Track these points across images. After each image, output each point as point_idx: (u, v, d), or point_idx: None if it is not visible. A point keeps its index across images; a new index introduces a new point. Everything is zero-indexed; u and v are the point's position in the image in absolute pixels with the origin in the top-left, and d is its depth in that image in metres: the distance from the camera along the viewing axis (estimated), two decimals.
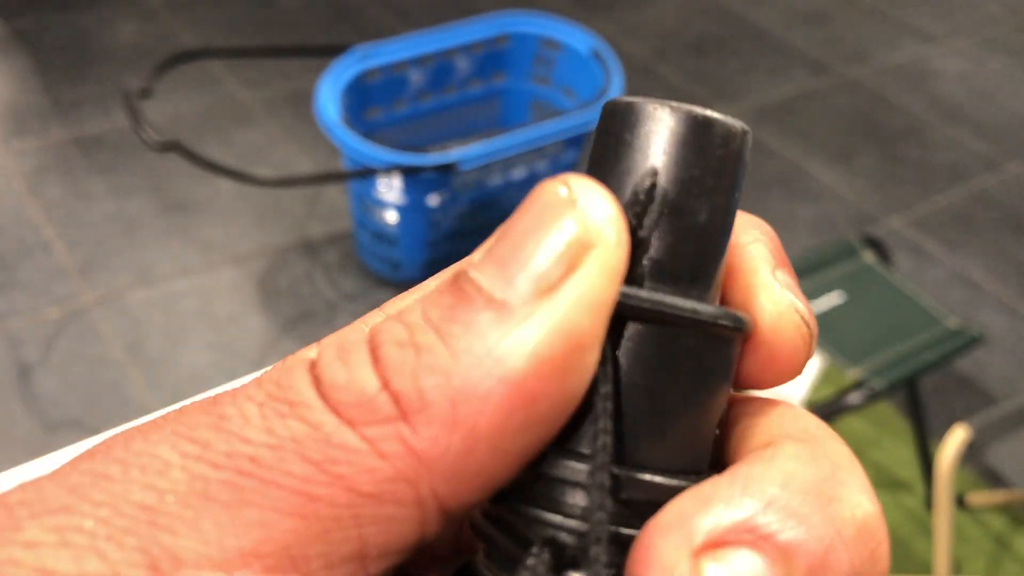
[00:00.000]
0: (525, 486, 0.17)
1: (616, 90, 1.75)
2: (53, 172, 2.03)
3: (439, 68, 1.88)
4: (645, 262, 0.17)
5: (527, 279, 0.14)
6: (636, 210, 0.17)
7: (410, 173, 1.60)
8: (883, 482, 1.58)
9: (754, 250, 0.19)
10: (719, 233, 0.18)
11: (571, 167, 1.85)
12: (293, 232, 1.95)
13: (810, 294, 1.39)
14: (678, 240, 0.17)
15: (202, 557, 0.13)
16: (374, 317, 0.18)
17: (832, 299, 1.38)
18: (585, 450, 0.16)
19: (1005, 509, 1.56)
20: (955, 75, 2.70)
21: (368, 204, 1.74)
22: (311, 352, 0.16)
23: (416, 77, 1.86)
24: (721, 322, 0.17)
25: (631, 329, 0.17)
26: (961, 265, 2.04)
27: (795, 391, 1.41)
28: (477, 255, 0.15)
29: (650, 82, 2.51)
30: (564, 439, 0.17)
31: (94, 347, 1.68)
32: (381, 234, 1.78)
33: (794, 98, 2.53)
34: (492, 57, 1.94)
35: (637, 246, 0.17)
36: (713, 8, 2.90)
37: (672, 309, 0.17)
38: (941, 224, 2.15)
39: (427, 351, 0.14)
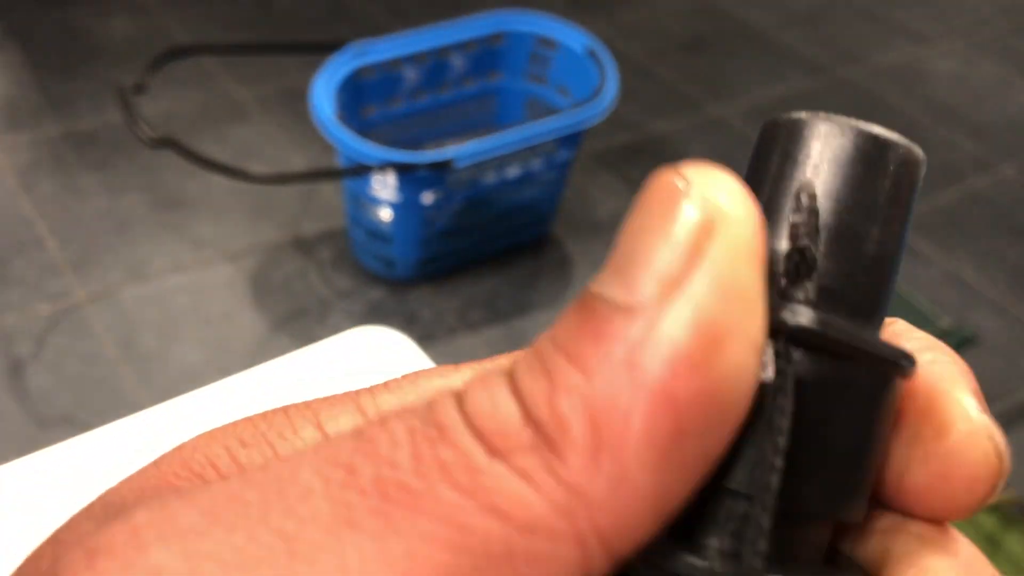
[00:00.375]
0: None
1: (611, 89, 1.75)
2: (45, 168, 2.03)
3: (434, 66, 1.88)
4: (810, 285, 0.15)
5: (650, 278, 0.14)
6: (796, 221, 0.16)
7: (405, 170, 1.60)
8: None
9: (942, 368, 0.18)
10: (890, 266, 0.16)
11: (566, 166, 1.85)
12: (287, 229, 1.95)
13: None
14: (849, 267, 0.16)
15: None
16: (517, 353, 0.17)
17: None
18: (745, 488, 0.15)
19: (995, 509, 1.56)
20: (948, 76, 2.70)
21: (362, 201, 1.74)
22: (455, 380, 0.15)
23: (411, 75, 1.86)
24: (902, 362, 0.16)
25: (799, 355, 0.15)
26: (954, 266, 2.05)
27: None
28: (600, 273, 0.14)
29: (646, 81, 2.51)
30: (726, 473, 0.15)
31: (86, 343, 1.68)
32: (375, 232, 1.77)
33: (789, 98, 2.53)
34: (487, 55, 1.94)
35: (799, 267, 0.15)
36: (708, 8, 2.90)
37: (851, 339, 0.15)
38: (934, 225, 2.16)
39: (559, 373, 0.13)
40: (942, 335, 1.39)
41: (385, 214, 1.73)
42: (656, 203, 0.15)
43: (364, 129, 1.81)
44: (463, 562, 0.12)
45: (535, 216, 1.93)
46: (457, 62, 1.91)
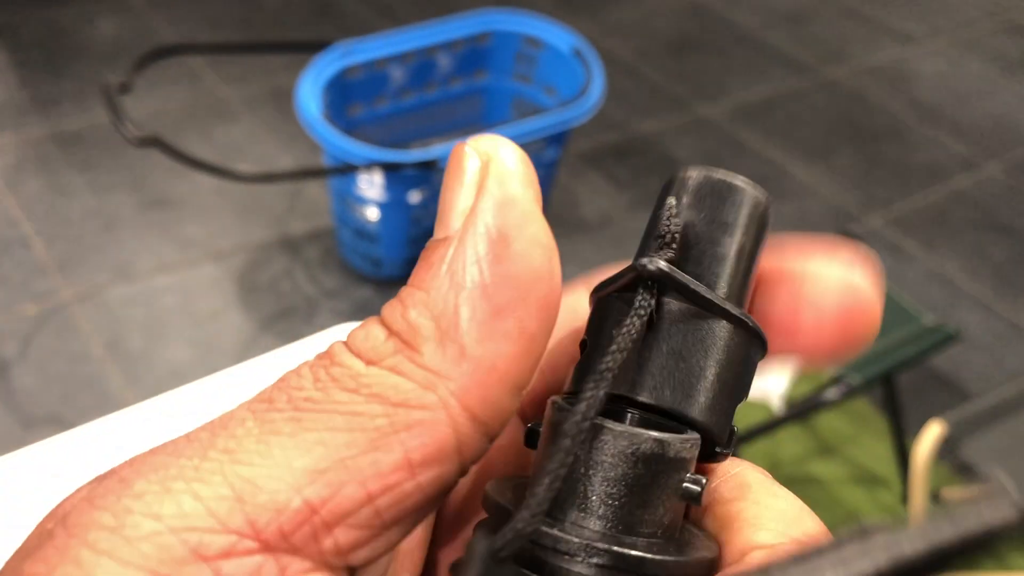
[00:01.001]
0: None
1: (597, 88, 1.76)
2: (32, 167, 2.02)
3: (421, 65, 1.88)
4: (666, 252, 0.21)
5: (455, 215, 0.18)
6: (666, 221, 0.21)
7: (391, 170, 1.60)
8: (860, 478, 1.60)
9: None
10: (745, 267, 0.22)
11: (552, 165, 1.86)
12: (274, 228, 1.95)
13: None
14: (708, 260, 0.21)
15: (276, 480, 0.16)
16: None
17: None
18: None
19: None
20: (933, 76, 2.72)
21: (349, 201, 1.74)
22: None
23: (397, 74, 1.86)
24: (731, 316, 0.21)
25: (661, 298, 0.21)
26: (938, 263, 2.06)
27: (775, 386, 1.43)
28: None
29: (632, 81, 2.52)
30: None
31: (73, 343, 1.67)
32: (362, 231, 1.77)
33: (774, 98, 2.54)
34: (474, 54, 1.94)
35: (661, 242, 0.21)
36: (693, 8, 2.91)
37: (701, 290, 0.21)
38: (919, 223, 2.17)
39: (407, 296, 0.18)
40: (926, 332, 1.40)
41: (372, 213, 1.74)
42: (454, 165, 0.19)
43: (350, 128, 1.82)
44: (359, 438, 0.17)
45: None
46: (443, 61, 1.91)
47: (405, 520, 0.17)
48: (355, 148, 1.56)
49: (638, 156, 2.28)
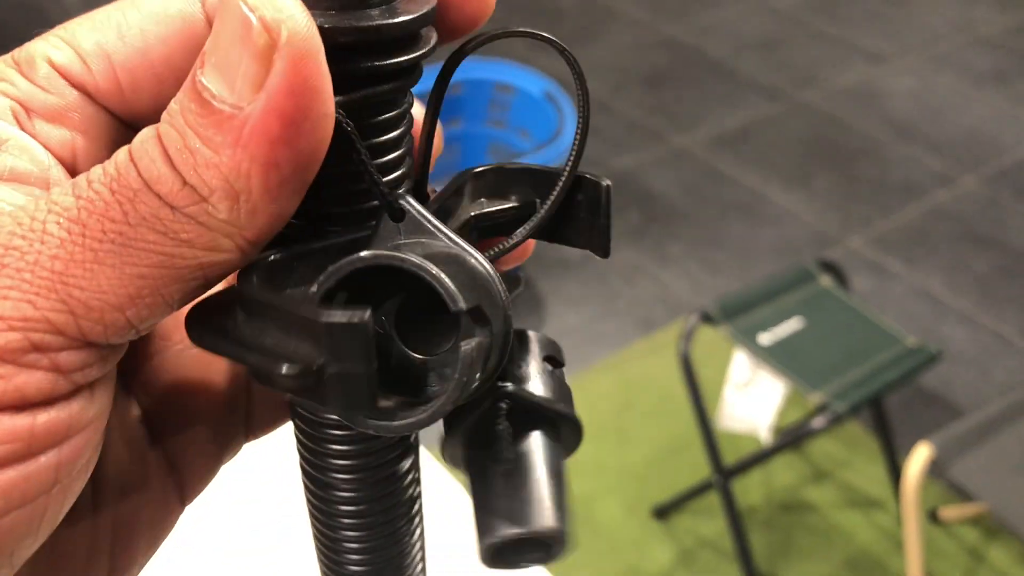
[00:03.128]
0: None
1: (570, 129, 1.78)
2: None
3: None
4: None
5: (244, 82, 0.19)
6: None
7: None
8: (856, 501, 1.60)
9: None
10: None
11: None
12: None
13: (770, 321, 1.41)
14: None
15: (105, 303, 0.19)
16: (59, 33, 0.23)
17: (792, 325, 1.41)
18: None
19: (977, 522, 1.58)
20: (906, 93, 2.75)
21: None
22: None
23: None
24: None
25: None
26: (921, 280, 2.07)
27: (762, 416, 1.43)
28: (201, 65, 0.20)
29: (607, 117, 2.55)
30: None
31: None
32: None
33: (749, 125, 2.57)
34: (447, 103, 1.95)
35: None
36: (665, 42, 2.95)
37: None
38: (900, 241, 2.19)
39: (198, 152, 0.19)
40: (909, 354, 1.41)
41: None
42: (232, 17, 0.19)
43: None
44: (168, 273, 0.20)
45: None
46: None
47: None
48: None
49: (617, 190, 2.27)
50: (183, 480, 0.27)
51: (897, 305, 2.00)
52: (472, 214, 0.26)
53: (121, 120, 0.24)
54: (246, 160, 0.19)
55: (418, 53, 0.23)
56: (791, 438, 1.43)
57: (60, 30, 0.23)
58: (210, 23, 0.23)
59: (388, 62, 0.23)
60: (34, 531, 0.20)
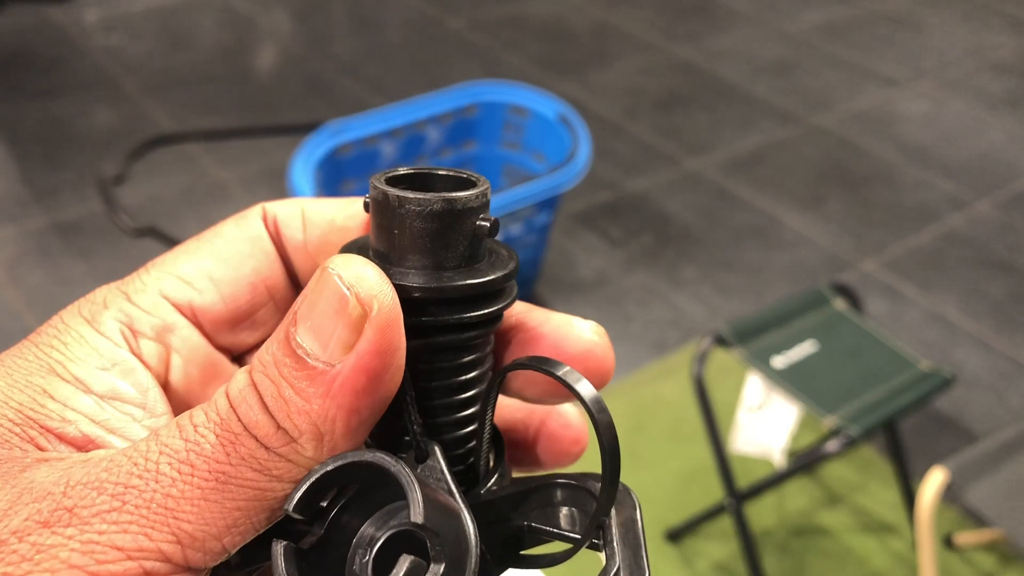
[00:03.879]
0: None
1: (585, 151, 1.79)
2: (33, 259, 2.05)
3: (411, 139, 1.92)
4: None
5: (336, 344, 0.23)
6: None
7: None
8: (869, 525, 1.59)
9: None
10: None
11: (544, 229, 1.88)
12: None
13: (783, 345, 1.40)
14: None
15: (207, 534, 0.22)
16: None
17: (805, 348, 1.40)
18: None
19: (993, 548, 1.56)
20: (919, 117, 2.75)
21: None
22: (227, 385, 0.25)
23: (388, 149, 1.89)
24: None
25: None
26: (935, 304, 2.07)
27: (775, 440, 1.43)
28: (294, 323, 0.23)
29: (621, 140, 2.56)
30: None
31: None
32: None
33: (763, 148, 2.57)
34: (462, 126, 1.98)
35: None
36: (679, 65, 2.96)
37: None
38: (914, 265, 2.18)
39: (292, 401, 0.23)
40: (922, 378, 1.40)
41: None
42: (329, 291, 0.23)
43: None
44: (260, 504, 0.22)
45: (518, 279, 1.95)
46: (433, 134, 1.95)
47: None
48: None
49: (631, 213, 2.30)
50: None
51: (911, 329, 1.99)
52: (524, 524, 0.28)
53: (211, 341, 0.28)
54: (333, 408, 0.22)
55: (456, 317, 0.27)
56: (804, 462, 1.43)
57: (160, 261, 0.28)
58: (276, 244, 0.30)
59: (445, 319, 0.26)
60: None
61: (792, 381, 1.35)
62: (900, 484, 1.55)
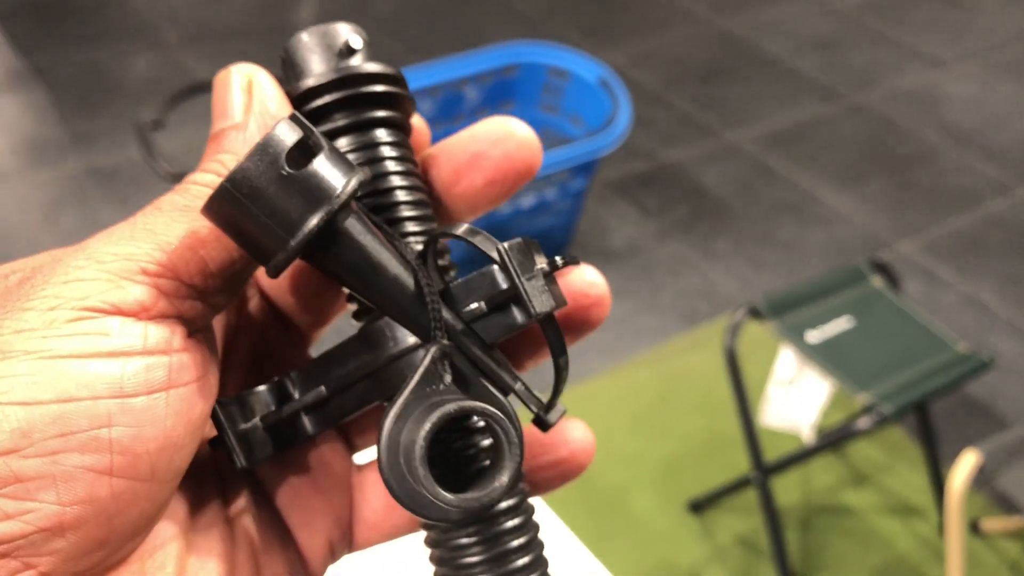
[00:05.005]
0: None
1: (624, 118, 1.77)
2: (69, 203, 2.06)
3: (448, 98, 1.90)
4: None
5: (236, 111, 0.29)
6: None
7: None
8: (895, 508, 1.57)
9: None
10: None
11: (580, 194, 1.86)
12: None
13: (819, 320, 1.39)
14: None
15: (185, 245, 0.25)
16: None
17: (841, 324, 1.38)
18: None
19: (1020, 535, 1.54)
20: (965, 99, 2.70)
21: None
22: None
23: (426, 107, 1.88)
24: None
25: None
26: (973, 289, 2.04)
27: (805, 415, 1.41)
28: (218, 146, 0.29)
29: (660, 109, 2.53)
30: None
31: None
32: None
33: (803, 124, 2.53)
34: (501, 86, 1.96)
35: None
36: (722, 36, 2.92)
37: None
38: (952, 248, 2.15)
39: (219, 163, 0.28)
40: (959, 360, 1.38)
41: None
42: (224, 80, 0.29)
43: None
44: (207, 224, 0.25)
45: (550, 244, 1.94)
46: (471, 94, 1.93)
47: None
48: None
49: (666, 184, 2.28)
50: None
51: (947, 313, 1.96)
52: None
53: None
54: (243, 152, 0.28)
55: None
56: (834, 438, 1.41)
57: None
58: None
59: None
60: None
61: (826, 356, 1.33)
62: (929, 467, 1.53)
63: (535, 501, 0.30)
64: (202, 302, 0.26)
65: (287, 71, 0.32)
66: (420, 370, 0.25)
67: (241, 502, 0.29)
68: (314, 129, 0.25)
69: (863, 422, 1.27)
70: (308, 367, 0.30)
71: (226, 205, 0.24)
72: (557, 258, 0.29)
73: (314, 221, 0.24)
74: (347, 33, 0.32)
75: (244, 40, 2.66)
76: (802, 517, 1.56)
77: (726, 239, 2.12)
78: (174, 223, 0.25)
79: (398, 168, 0.30)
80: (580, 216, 2.01)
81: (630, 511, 1.55)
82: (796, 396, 1.39)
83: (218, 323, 0.30)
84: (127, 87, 2.44)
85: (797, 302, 1.39)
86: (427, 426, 0.24)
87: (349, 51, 0.31)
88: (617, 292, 1.97)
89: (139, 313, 0.24)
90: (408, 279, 0.27)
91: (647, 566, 1.48)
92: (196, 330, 0.26)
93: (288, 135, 0.24)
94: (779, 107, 2.59)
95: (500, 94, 1.97)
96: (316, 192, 0.24)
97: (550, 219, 1.86)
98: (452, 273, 0.31)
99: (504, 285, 0.27)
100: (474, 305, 0.27)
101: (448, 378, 0.26)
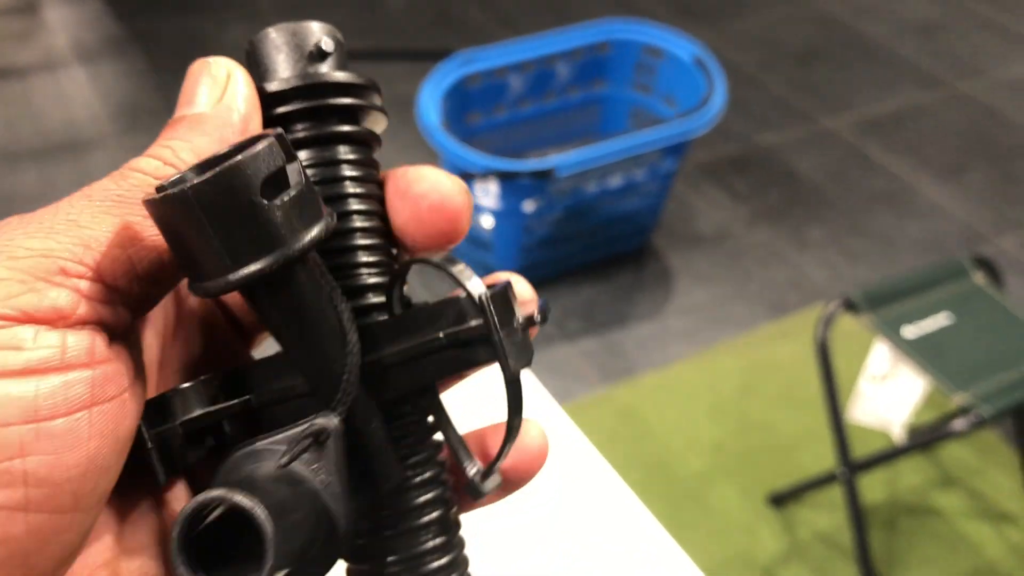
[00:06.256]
0: None
1: (719, 99, 1.72)
2: None
3: (539, 74, 1.88)
4: None
5: (205, 100, 0.27)
6: None
7: (507, 178, 1.60)
8: (986, 512, 1.52)
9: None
10: None
11: (669, 176, 1.83)
12: None
13: (916, 315, 1.34)
14: None
15: (111, 243, 0.23)
16: None
17: (939, 320, 1.33)
18: None
19: None
20: None
21: None
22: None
23: (516, 83, 1.86)
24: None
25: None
26: None
27: (897, 413, 1.37)
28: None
29: (754, 92, 2.47)
30: None
31: None
32: (476, 239, 1.78)
33: (903, 111, 2.45)
34: (593, 64, 1.93)
35: None
36: (820, 18, 2.83)
37: None
38: None
39: (179, 150, 0.26)
40: None
41: (486, 221, 1.74)
42: (202, 67, 0.27)
43: (468, 136, 1.82)
44: (141, 220, 0.24)
45: (636, 226, 1.91)
46: (562, 70, 1.90)
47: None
48: (473, 156, 1.57)
49: (758, 169, 2.23)
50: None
51: None
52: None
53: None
54: (212, 143, 0.26)
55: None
56: (927, 439, 1.37)
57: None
58: None
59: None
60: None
61: (922, 353, 1.28)
62: (1023, 471, 1.47)
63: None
64: (126, 307, 0.23)
65: (251, 69, 0.29)
66: (279, 435, 0.24)
67: (179, 504, 0.27)
68: (297, 157, 0.23)
69: (959, 423, 1.23)
70: (243, 370, 0.27)
71: (179, 211, 0.22)
72: (535, 314, 0.27)
73: (263, 263, 0.22)
74: (320, 34, 0.29)
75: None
76: (887, 517, 1.51)
77: (819, 228, 2.06)
78: (102, 215, 0.23)
79: (358, 190, 0.28)
80: (668, 199, 1.97)
81: (709, 501, 1.52)
82: (889, 393, 1.34)
83: (155, 314, 0.28)
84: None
85: (894, 296, 1.34)
86: (181, 516, 0.21)
87: (320, 54, 0.29)
88: (703, 278, 1.93)
89: (56, 321, 0.21)
90: (336, 350, 0.25)
91: (724, 557, 1.46)
92: (119, 335, 0.23)
93: (271, 159, 0.22)
94: (878, 93, 2.51)
95: (592, 72, 1.94)
96: (277, 231, 0.22)
97: (637, 201, 1.83)
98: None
99: (474, 323, 0.26)
100: (434, 335, 0.26)
101: (330, 452, 0.24)
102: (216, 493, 0.21)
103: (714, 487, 1.54)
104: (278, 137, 0.23)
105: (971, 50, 2.73)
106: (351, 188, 0.28)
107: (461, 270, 0.26)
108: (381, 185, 0.29)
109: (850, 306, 1.32)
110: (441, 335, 0.26)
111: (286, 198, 0.22)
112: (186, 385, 0.26)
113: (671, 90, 1.89)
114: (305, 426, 0.24)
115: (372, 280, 0.28)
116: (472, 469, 0.29)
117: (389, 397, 0.27)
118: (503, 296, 0.26)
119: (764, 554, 1.46)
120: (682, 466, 1.56)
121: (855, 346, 1.50)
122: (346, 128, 0.28)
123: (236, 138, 0.25)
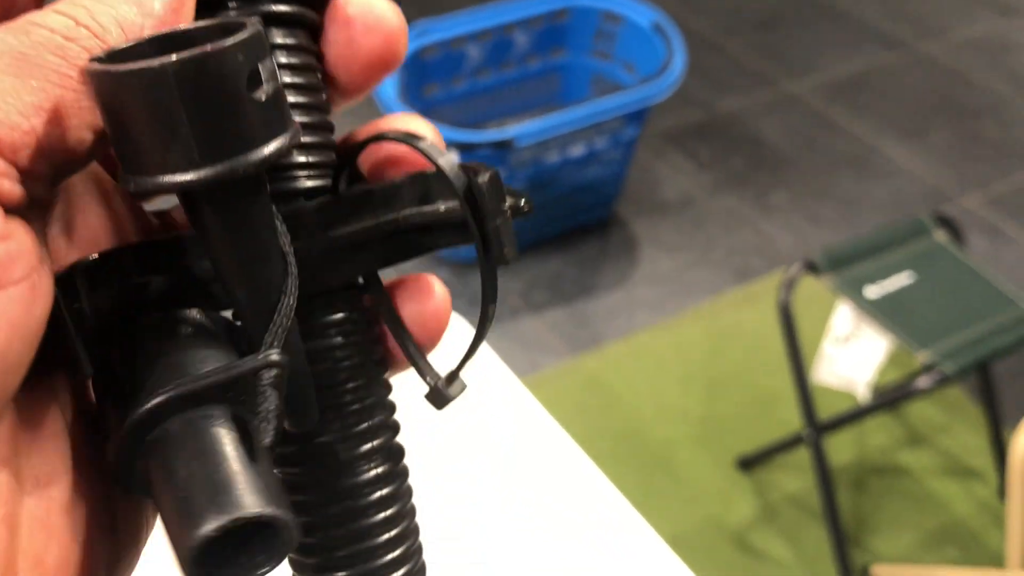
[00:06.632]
0: None
1: (679, 64, 1.71)
2: None
3: (497, 43, 1.86)
4: None
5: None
6: None
7: (466, 150, 1.58)
8: (953, 470, 1.53)
9: None
10: None
11: (631, 144, 1.82)
12: None
13: (878, 275, 1.33)
14: None
15: (11, 108, 0.19)
16: None
17: (902, 279, 1.33)
18: None
19: None
20: None
21: None
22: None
23: (474, 53, 1.84)
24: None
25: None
26: None
27: (861, 373, 1.37)
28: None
29: (716, 57, 2.46)
30: None
31: None
32: None
33: (866, 73, 2.45)
34: (552, 32, 1.91)
35: None
36: None
37: None
38: (1019, 203, 2.07)
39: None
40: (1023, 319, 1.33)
41: None
42: None
43: (426, 109, 1.80)
44: (68, 95, 0.20)
45: (599, 196, 1.90)
46: (521, 39, 1.88)
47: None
48: None
49: (721, 134, 2.22)
50: None
51: (1011, 270, 1.89)
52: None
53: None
54: (139, 12, 0.21)
55: None
56: (891, 397, 1.37)
57: None
58: None
59: None
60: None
61: (885, 312, 1.28)
62: (989, 429, 1.48)
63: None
64: (28, 180, 0.19)
65: None
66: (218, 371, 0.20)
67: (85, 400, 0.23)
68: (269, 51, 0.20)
69: (923, 381, 1.23)
70: (173, 239, 0.23)
71: (147, 89, 0.19)
72: (522, 200, 0.24)
73: (233, 164, 0.19)
74: None
75: None
76: (855, 477, 1.52)
77: (783, 193, 2.06)
78: (0, 74, 0.19)
79: (296, 80, 0.25)
80: (631, 167, 1.96)
81: (678, 468, 1.52)
82: (852, 353, 1.34)
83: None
84: None
85: (856, 256, 1.34)
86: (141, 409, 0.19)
87: None
88: (668, 246, 1.93)
89: None
90: (278, 275, 0.22)
91: (695, 523, 1.46)
92: (19, 209, 0.19)
93: (258, 49, 0.19)
94: (840, 56, 2.51)
95: (550, 40, 1.92)
96: (255, 130, 0.19)
97: (599, 169, 1.82)
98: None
99: (453, 205, 0.23)
100: (406, 212, 0.24)
101: (271, 403, 0.21)
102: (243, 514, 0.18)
103: (684, 454, 1.54)
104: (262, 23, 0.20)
105: (933, 11, 2.73)
106: (288, 78, 0.25)
107: (430, 147, 0.23)
108: (323, 75, 0.26)
109: (812, 268, 1.31)
110: (411, 212, 0.24)
111: (263, 96, 0.19)
112: (107, 250, 0.22)
113: (631, 57, 1.87)
114: (258, 361, 0.21)
115: (311, 184, 0.25)
116: (430, 376, 0.26)
117: (326, 288, 0.24)
118: (495, 180, 0.23)
119: (735, 518, 1.47)
120: (651, 434, 1.56)
121: (819, 308, 1.50)
122: (282, 8, 0.24)
123: (162, 12, 0.21)
